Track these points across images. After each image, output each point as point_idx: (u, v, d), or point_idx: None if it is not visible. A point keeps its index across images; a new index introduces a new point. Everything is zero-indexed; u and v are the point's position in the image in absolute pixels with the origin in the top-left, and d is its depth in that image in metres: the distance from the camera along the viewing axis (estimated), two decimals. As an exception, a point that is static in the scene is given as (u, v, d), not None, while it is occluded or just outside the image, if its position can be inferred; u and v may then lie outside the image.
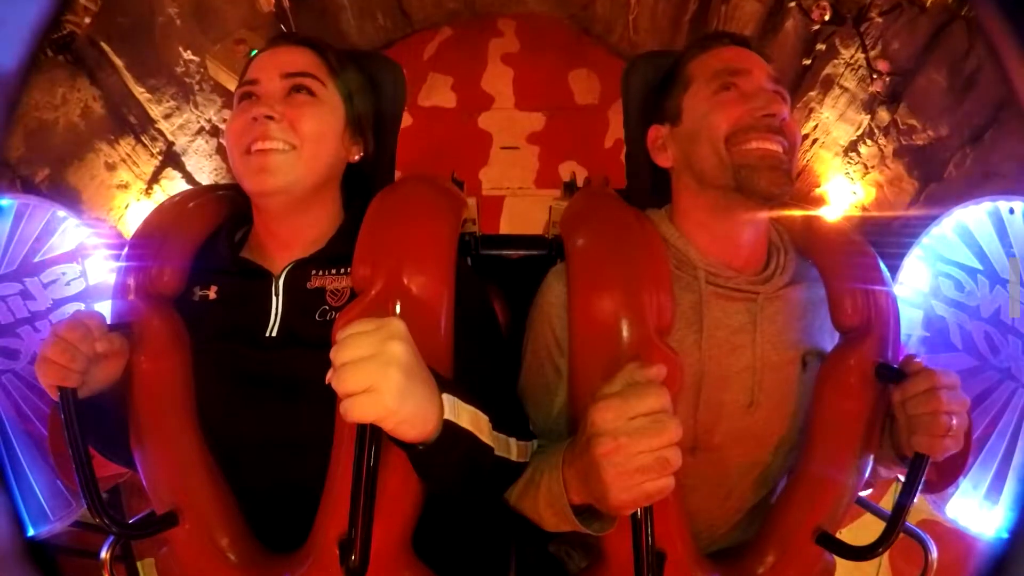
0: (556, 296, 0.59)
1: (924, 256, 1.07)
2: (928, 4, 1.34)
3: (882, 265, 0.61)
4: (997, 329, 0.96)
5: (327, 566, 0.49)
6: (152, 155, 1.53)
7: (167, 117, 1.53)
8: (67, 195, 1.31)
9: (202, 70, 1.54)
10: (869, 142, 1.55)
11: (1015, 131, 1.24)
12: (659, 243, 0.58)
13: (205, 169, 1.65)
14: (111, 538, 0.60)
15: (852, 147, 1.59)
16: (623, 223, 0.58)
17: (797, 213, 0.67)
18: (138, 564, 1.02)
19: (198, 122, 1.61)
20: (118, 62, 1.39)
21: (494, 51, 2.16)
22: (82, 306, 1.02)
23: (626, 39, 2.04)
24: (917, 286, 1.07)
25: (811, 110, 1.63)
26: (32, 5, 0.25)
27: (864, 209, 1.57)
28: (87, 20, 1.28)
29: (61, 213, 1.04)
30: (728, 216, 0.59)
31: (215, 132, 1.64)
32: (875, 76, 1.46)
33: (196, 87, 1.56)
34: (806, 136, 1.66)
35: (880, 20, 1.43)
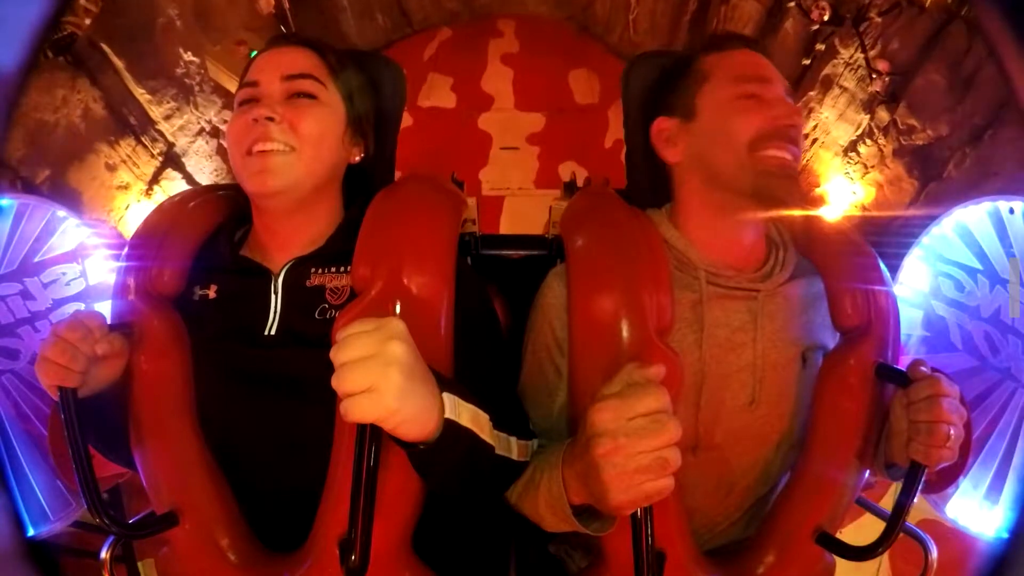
0: (556, 296, 0.59)
1: (924, 256, 1.07)
2: (927, 4, 1.34)
3: (882, 265, 0.61)
4: (997, 329, 0.96)
5: (327, 566, 0.49)
6: (152, 156, 1.53)
7: (167, 118, 1.54)
8: (68, 196, 1.31)
9: (202, 71, 1.54)
10: (869, 142, 1.55)
11: (1015, 131, 1.24)
12: (659, 243, 0.58)
13: (205, 170, 1.66)
14: (111, 538, 0.60)
15: (852, 147, 1.59)
16: (623, 223, 0.58)
17: (797, 213, 0.67)
18: (139, 564, 1.02)
19: (198, 123, 1.61)
20: (118, 63, 1.39)
21: (494, 51, 2.16)
22: (82, 306, 1.02)
23: (626, 39, 2.04)
24: (917, 286, 1.07)
25: (811, 110, 1.63)
26: (32, 5, 0.25)
27: (864, 209, 1.57)
28: (87, 21, 1.28)
29: (61, 213, 1.04)
30: (733, 216, 0.59)
31: (215, 133, 1.64)
32: (874, 76, 1.46)
33: (196, 88, 1.57)
34: (806, 136, 1.66)
35: (879, 20, 1.43)
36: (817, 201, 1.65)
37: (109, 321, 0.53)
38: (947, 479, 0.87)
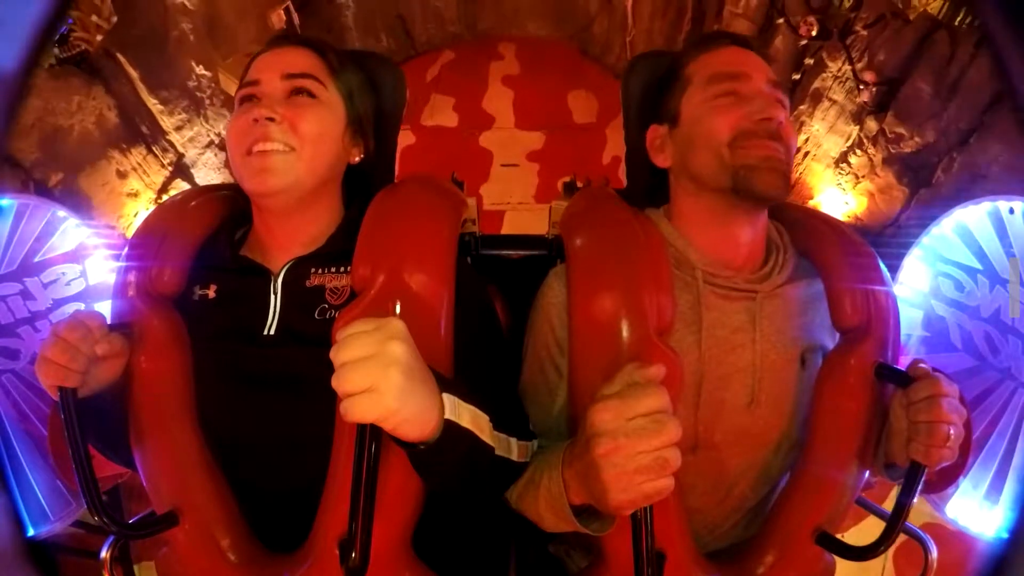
0: (556, 296, 0.59)
1: (924, 256, 1.07)
2: (912, 16, 1.38)
3: (882, 265, 0.61)
4: (997, 329, 0.96)
5: (327, 566, 0.48)
6: (162, 166, 1.56)
7: (178, 129, 1.57)
8: (79, 200, 1.32)
9: (213, 84, 1.57)
10: (859, 152, 1.57)
11: (999, 134, 1.26)
12: (659, 243, 0.58)
13: (214, 182, 1.68)
14: (111, 538, 0.59)
15: (843, 158, 1.62)
16: (623, 223, 0.59)
17: (796, 213, 0.67)
18: (135, 568, 1.00)
19: (208, 135, 1.64)
20: (133, 73, 1.43)
21: (495, 73, 2.20)
22: (82, 306, 1.02)
23: (623, 59, 2.10)
24: (917, 286, 1.07)
25: (802, 124, 1.66)
26: (32, 5, 0.25)
27: (857, 219, 1.59)
28: (99, 38, 1.31)
29: (61, 213, 1.04)
30: (726, 217, 0.59)
31: (224, 146, 1.67)
32: (862, 87, 1.49)
33: (207, 101, 1.60)
34: (798, 150, 1.69)
35: (865, 33, 1.46)
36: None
37: (109, 321, 0.53)
38: (947, 479, 0.86)
